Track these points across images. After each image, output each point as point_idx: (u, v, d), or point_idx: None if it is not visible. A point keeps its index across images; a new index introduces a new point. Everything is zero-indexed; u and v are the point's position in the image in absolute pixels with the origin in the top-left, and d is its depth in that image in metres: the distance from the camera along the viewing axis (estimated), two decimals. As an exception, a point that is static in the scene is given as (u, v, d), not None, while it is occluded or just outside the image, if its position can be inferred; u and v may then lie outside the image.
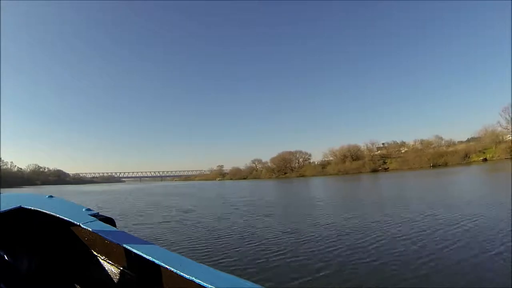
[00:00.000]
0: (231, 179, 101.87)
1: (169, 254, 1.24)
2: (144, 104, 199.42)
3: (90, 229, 1.50)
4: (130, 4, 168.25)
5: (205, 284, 0.98)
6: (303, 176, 78.15)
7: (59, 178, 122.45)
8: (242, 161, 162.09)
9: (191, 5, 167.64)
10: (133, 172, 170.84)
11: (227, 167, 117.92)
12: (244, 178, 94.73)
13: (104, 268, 1.57)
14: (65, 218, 1.61)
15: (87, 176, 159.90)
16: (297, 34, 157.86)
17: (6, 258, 1.65)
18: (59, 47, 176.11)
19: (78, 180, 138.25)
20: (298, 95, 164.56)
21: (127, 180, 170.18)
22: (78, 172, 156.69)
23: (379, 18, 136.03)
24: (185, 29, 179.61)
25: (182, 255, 1.24)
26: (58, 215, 1.64)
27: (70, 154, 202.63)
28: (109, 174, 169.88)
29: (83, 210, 1.75)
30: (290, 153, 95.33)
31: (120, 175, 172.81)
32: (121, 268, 1.49)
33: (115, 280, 1.51)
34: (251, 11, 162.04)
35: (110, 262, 1.55)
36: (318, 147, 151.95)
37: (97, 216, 1.68)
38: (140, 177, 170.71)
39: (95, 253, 1.62)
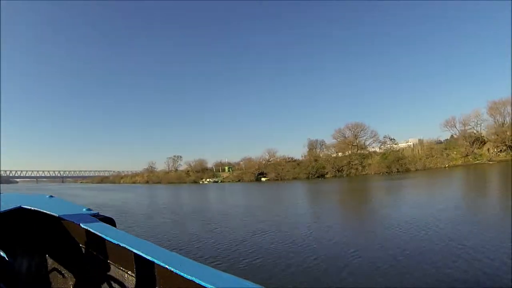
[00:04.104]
0: (266, 179, 59.04)
1: (169, 254, 1.23)
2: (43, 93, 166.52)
3: (90, 229, 1.51)
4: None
5: (205, 284, 0.97)
6: None
7: None
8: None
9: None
10: (27, 171, 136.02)
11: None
12: (324, 176, 55.27)
13: (104, 268, 1.59)
14: (65, 218, 1.64)
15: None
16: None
17: (6, 258, 1.62)
18: None
19: None
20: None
21: (20, 180, 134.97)
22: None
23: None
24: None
25: (182, 255, 1.25)
26: (58, 215, 1.67)
27: None
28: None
29: (83, 210, 1.78)
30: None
31: (11, 174, 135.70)
32: (121, 268, 1.52)
33: (115, 280, 1.54)
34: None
35: (110, 262, 1.58)
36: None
37: (97, 216, 1.70)
38: (37, 177, 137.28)
39: (95, 253, 1.64)
